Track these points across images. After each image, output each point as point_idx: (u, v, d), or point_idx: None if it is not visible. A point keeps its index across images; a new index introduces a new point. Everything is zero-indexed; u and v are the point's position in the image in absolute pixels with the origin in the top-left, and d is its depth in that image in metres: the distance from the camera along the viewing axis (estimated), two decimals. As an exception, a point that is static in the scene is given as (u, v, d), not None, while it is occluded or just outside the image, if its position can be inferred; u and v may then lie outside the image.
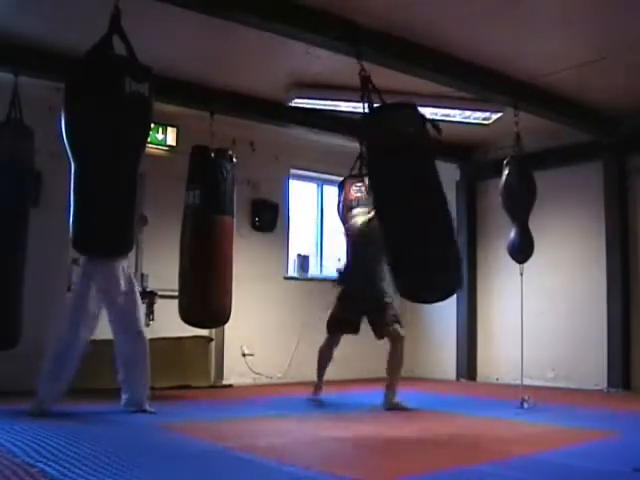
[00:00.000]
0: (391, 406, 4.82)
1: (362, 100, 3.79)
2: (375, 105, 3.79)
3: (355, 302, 5.02)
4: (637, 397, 5.74)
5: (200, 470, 2.79)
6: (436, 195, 3.79)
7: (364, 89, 3.79)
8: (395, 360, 4.96)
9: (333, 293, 7.44)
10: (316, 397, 5.20)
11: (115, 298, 4.20)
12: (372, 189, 3.87)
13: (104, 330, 4.38)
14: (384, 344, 7.56)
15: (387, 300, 4.98)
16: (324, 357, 5.26)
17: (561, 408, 4.97)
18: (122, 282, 4.21)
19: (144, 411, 4.26)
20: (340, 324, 5.11)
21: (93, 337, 4.39)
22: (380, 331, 4.95)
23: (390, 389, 4.92)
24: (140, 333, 4.32)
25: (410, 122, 3.71)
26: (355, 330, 5.13)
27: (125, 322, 4.27)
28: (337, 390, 5.63)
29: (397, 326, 4.93)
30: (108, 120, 3.14)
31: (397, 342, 4.92)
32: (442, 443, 3.50)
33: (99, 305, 4.21)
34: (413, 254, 3.65)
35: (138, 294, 4.41)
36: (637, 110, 6.03)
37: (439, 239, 3.69)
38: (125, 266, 4.30)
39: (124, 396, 4.33)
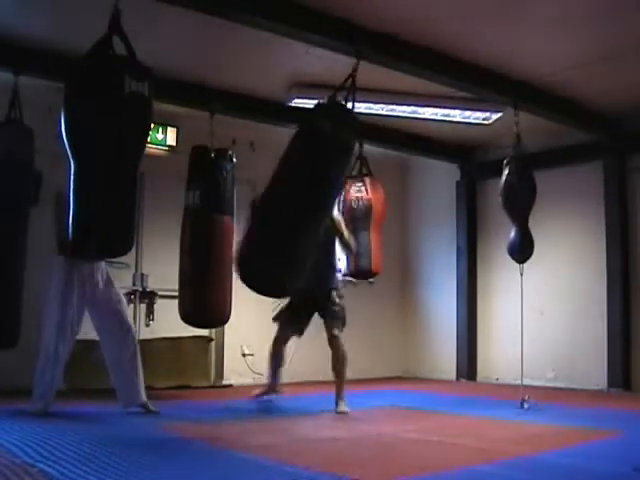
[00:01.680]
0: (343, 411, 4.68)
1: (338, 89, 3.84)
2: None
3: (306, 300, 4.90)
4: (637, 397, 5.74)
5: (200, 470, 2.79)
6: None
7: (344, 83, 3.80)
8: (334, 361, 4.81)
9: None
10: (265, 397, 5.06)
11: (95, 299, 4.21)
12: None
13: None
14: (384, 345, 7.58)
15: (333, 298, 4.91)
16: (273, 353, 5.04)
17: (561, 408, 4.97)
18: (101, 282, 4.24)
19: (145, 407, 4.24)
20: (290, 318, 4.99)
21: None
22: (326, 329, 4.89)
23: (338, 393, 4.80)
24: (128, 330, 4.31)
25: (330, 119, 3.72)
26: (302, 327, 5.03)
27: (109, 322, 4.27)
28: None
29: (335, 328, 4.83)
30: (108, 120, 3.13)
31: (332, 343, 4.81)
32: (442, 443, 3.50)
33: (81, 306, 4.20)
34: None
35: (119, 291, 4.41)
36: (637, 110, 6.03)
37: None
38: (103, 266, 4.31)
39: (120, 397, 4.31)
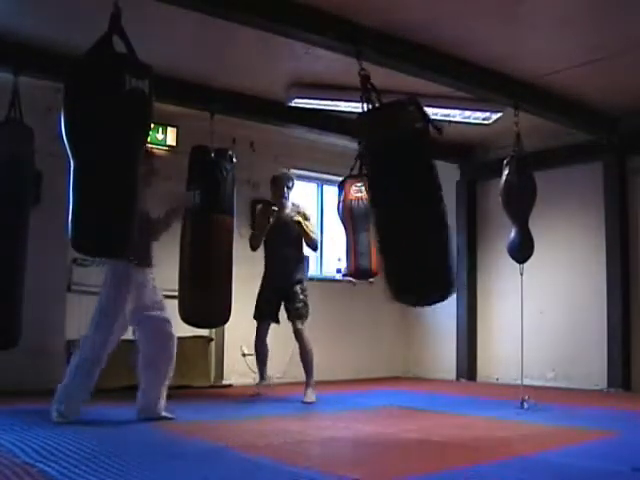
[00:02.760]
0: (309, 401, 5.12)
1: (361, 99, 3.79)
2: (376, 105, 3.79)
3: (274, 288, 5.38)
4: (637, 397, 5.74)
5: (200, 470, 2.79)
6: (433, 200, 3.74)
7: (363, 88, 3.78)
8: (300, 354, 5.27)
9: (332, 293, 7.45)
10: (258, 392, 5.45)
11: (143, 306, 4.10)
12: (370, 188, 3.84)
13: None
14: (384, 345, 7.57)
15: (297, 290, 5.32)
16: (259, 351, 5.45)
17: (561, 408, 4.97)
18: (149, 290, 4.14)
19: (160, 418, 4.09)
20: (262, 310, 5.41)
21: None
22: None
23: (307, 383, 5.24)
24: (168, 334, 4.16)
25: (410, 119, 3.69)
26: (273, 313, 5.42)
27: (153, 328, 4.14)
28: (337, 390, 5.64)
29: (296, 322, 5.25)
30: (108, 119, 3.13)
31: (297, 338, 5.25)
32: (442, 443, 3.50)
33: (130, 313, 4.07)
34: (406, 259, 3.60)
35: (163, 299, 4.27)
36: (637, 110, 6.03)
37: (431, 244, 3.63)
38: (151, 273, 4.21)
39: (139, 402, 4.12)
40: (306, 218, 5.51)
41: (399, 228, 3.63)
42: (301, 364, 5.30)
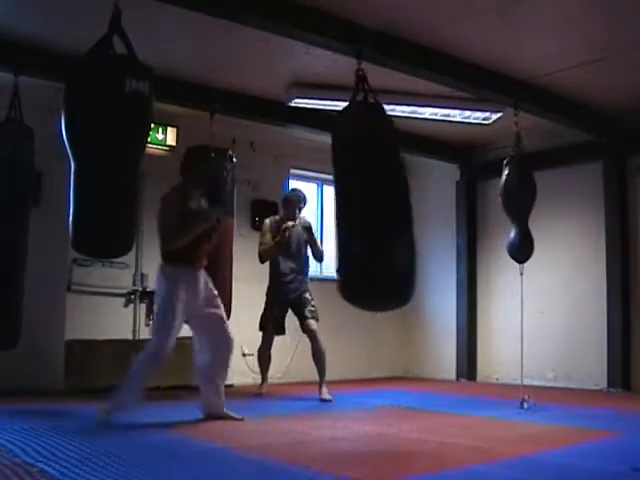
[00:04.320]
0: (327, 398, 5.26)
1: (353, 98, 3.75)
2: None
3: (281, 298, 5.53)
4: (637, 397, 5.74)
5: (200, 470, 2.79)
6: (397, 201, 3.59)
7: (357, 88, 3.78)
8: (315, 354, 5.38)
9: (332, 293, 7.42)
10: (261, 392, 5.64)
11: (198, 307, 4.04)
12: (335, 182, 3.80)
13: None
14: (384, 345, 7.58)
15: (306, 296, 5.49)
16: (264, 359, 5.68)
17: (561, 408, 4.97)
18: (203, 289, 4.06)
19: (228, 418, 4.11)
20: (271, 324, 5.57)
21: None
22: (300, 323, 5.46)
23: (322, 384, 5.36)
24: (229, 339, 4.14)
25: (377, 119, 3.68)
26: (280, 327, 5.61)
27: (212, 329, 4.10)
28: (337, 390, 5.64)
29: (311, 322, 5.38)
30: (108, 119, 3.13)
31: (312, 338, 5.37)
32: (442, 443, 3.50)
33: (184, 315, 4.02)
34: (362, 256, 3.46)
35: (219, 301, 4.19)
36: (637, 110, 6.03)
37: (392, 242, 3.48)
38: (204, 273, 4.13)
39: (201, 400, 4.17)
40: (311, 231, 5.65)
41: (361, 229, 3.50)
42: (314, 364, 5.39)
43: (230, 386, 6.36)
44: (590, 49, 4.83)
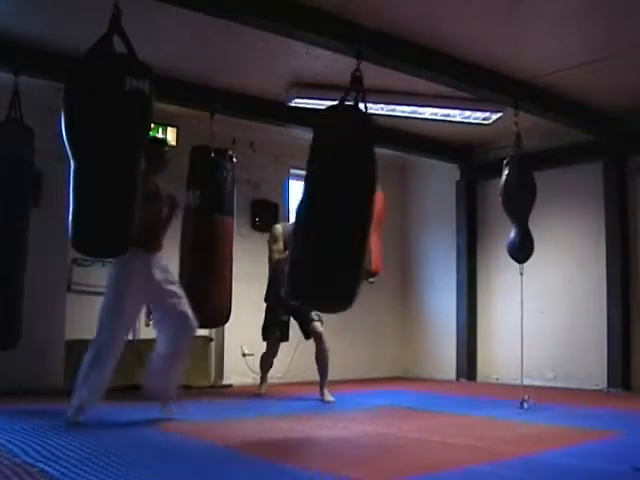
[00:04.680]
0: (330, 400, 5.25)
1: (344, 98, 3.73)
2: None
3: (285, 311, 5.43)
4: (637, 397, 5.74)
5: (200, 470, 2.79)
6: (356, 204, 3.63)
7: (351, 87, 3.78)
8: (319, 357, 5.35)
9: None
10: (260, 392, 5.63)
11: (155, 288, 3.99)
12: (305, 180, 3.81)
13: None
14: (384, 345, 7.58)
15: None
16: (266, 364, 5.69)
17: (561, 408, 4.97)
18: (157, 276, 4.00)
19: (165, 407, 4.03)
20: (275, 332, 5.52)
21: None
22: (305, 330, 5.39)
23: (323, 386, 5.33)
24: (187, 316, 4.02)
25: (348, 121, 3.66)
26: (285, 332, 5.57)
27: (171, 306, 4.02)
28: (337, 390, 5.63)
29: (317, 324, 5.33)
30: (108, 119, 3.14)
31: (318, 340, 5.32)
32: (442, 443, 3.50)
33: (138, 305, 4.02)
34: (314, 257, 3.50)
35: (178, 284, 4.16)
36: (637, 110, 6.03)
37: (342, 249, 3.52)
38: (159, 258, 4.09)
39: (150, 382, 4.02)
40: None
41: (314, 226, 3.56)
42: (317, 365, 5.36)
43: (230, 386, 6.38)
44: (590, 49, 4.83)
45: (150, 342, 4.45)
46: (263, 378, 5.72)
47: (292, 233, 3.64)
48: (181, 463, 2.88)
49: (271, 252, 5.40)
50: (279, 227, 5.52)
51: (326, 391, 5.32)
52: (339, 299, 3.55)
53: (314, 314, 5.34)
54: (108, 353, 3.85)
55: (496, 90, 5.41)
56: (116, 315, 3.89)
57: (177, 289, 4.09)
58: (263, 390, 5.65)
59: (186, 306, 4.07)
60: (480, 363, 7.38)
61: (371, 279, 6.11)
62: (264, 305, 5.55)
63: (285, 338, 5.58)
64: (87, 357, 3.86)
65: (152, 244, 4.05)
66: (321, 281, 3.47)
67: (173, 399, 4.08)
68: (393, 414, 4.78)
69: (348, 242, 3.53)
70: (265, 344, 5.58)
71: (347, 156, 3.58)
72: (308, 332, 5.36)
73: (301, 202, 3.70)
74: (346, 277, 3.51)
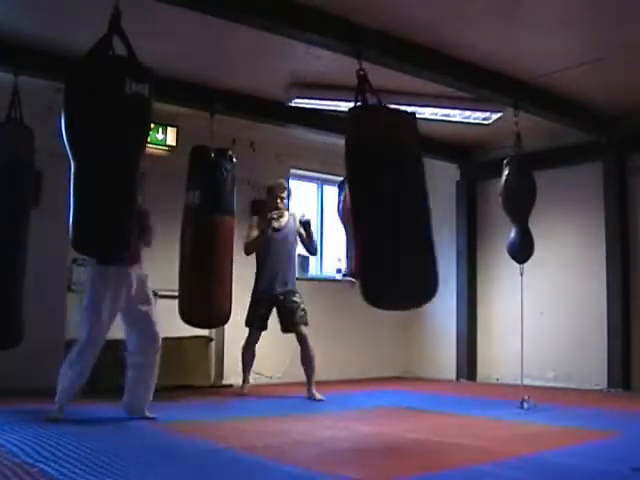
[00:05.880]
0: (320, 398, 5.33)
1: (356, 99, 3.78)
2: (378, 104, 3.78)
3: (268, 298, 5.54)
4: (637, 397, 5.74)
5: (200, 470, 2.79)
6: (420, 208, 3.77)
7: (360, 88, 3.79)
8: (305, 358, 5.43)
9: (332, 293, 7.45)
10: (243, 393, 5.65)
11: (129, 303, 4.12)
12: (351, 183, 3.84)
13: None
14: (384, 345, 7.58)
15: (297, 300, 5.52)
16: (248, 356, 5.69)
17: (561, 408, 4.97)
18: (135, 287, 4.13)
19: (144, 418, 4.14)
20: (257, 320, 5.58)
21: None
22: (285, 326, 5.50)
23: (309, 385, 5.42)
24: (155, 338, 4.19)
25: (409, 132, 3.70)
26: (265, 323, 5.63)
27: (140, 326, 4.17)
28: (337, 390, 5.64)
29: (302, 327, 5.43)
30: (108, 120, 3.13)
31: (303, 342, 5.41)
32: (442, 443, 3.50)
33: (113, 310, 4.10)
34: (384, 259, 3.56)
35: (152, 298, 4.30)
36: (637, 110, 6.03)
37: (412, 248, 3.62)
38: (139, 271, 4.21)
39: (125, 398, 4.21)
40: (308, 225, 5.68)
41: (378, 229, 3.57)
42: (303, 367, 5.45)
43: (230, 386, 6.38)
44: (590, 49, 4.83)
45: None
46: (246, 375, 5.73)
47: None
48: (181, 463, 2.89)
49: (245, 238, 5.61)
50: (255, 217, 5.82)
51: (313, 390, 5.39)
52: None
53: (298, 317, 5.43)
54: (86, 354, 4.00)
55: (496, 90, 5.41)
56: (94, 316, 4.02)
57: (149, 309, 4.21)
58: (246, 390, 5.67)
59: (155, 327, 4.21)
60: (480, 363, 7.38)
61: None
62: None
63: (264, 328, 5.63)
64: (68, 357, 4.03)
65: (131, 259, 4.12)
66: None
67: (144, 412, 4.17)
68: (393, 414, 4.78)
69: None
70: (248, 332, 5.63)
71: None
72: (286, 327, 5.49)
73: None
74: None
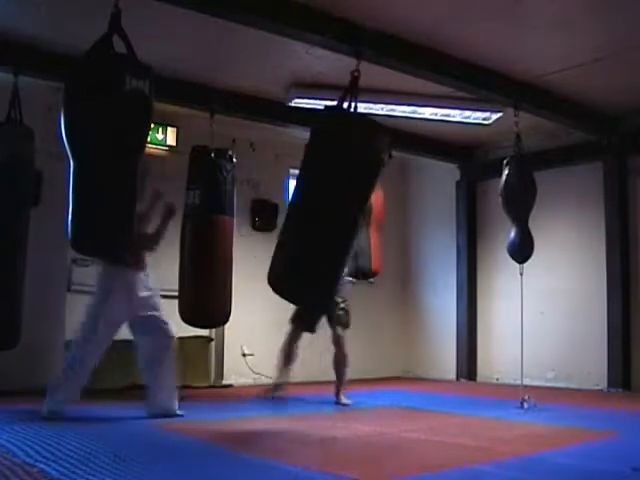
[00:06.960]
0: (347, 403, 5.15)
1: (343, 98, 3.78)
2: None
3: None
4: (637, 397, 5.74)
5: (200, 470, 2.79)
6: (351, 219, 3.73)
7: (350, 88, 3.79)
8: (336, 363, 5.22)
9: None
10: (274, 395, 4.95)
11: (136, 307, 4.11)
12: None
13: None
14: (384, 345, 7.57)
15: (337, 299, 5.14)
16: (290, 355, 5.09)
17: (561, 408, 4.97)
18: (141, 290, 4.14)
19: (174, 416, 4.13)
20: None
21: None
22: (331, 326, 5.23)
23: (338, 388, 5.22)
24: (165, 331, 4.17)
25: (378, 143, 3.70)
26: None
27: (147, 325, 4.16)
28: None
29: (338, 328, 5.18)
30: (108, 119, 3.13)
31: (337, 344, 5.19)
32: (442, 443, 3.50)
33: (121, 315, 4.10)
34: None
35: (159, 297, 4.29)
36: (637, 110, 6.03)
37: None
38: (145, 278, 4.21)
39: (150, 400, 4.15)
40: None
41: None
42: (334, 369, 5.20)
43: (230, 386, 6.38)
44: (590, 49, 4.83)
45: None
46: (284, 372, 5.01)
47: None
48: (181, 463, 2.89)
49: None
50: None
51: (342, 394, 5.20)
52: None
53: (336, 316, 5.12)
54: (87, 357, 4.01)
55: (496, 90, 5.41)
56: (99, 324, 4.02)
57: (158, 313, 4.21)
58: (269, 389, 5.01)
59: (165, 327, 4.20)
60: (480, 363, 7.38)
61: (371, 279, 6.11)
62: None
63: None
64: (68, 358, 4.05)
65: (135, 263, 4.14)
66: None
67: (174, 411, 4.17)
68: (393, 414, 4.78)
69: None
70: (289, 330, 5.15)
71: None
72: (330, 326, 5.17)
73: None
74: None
